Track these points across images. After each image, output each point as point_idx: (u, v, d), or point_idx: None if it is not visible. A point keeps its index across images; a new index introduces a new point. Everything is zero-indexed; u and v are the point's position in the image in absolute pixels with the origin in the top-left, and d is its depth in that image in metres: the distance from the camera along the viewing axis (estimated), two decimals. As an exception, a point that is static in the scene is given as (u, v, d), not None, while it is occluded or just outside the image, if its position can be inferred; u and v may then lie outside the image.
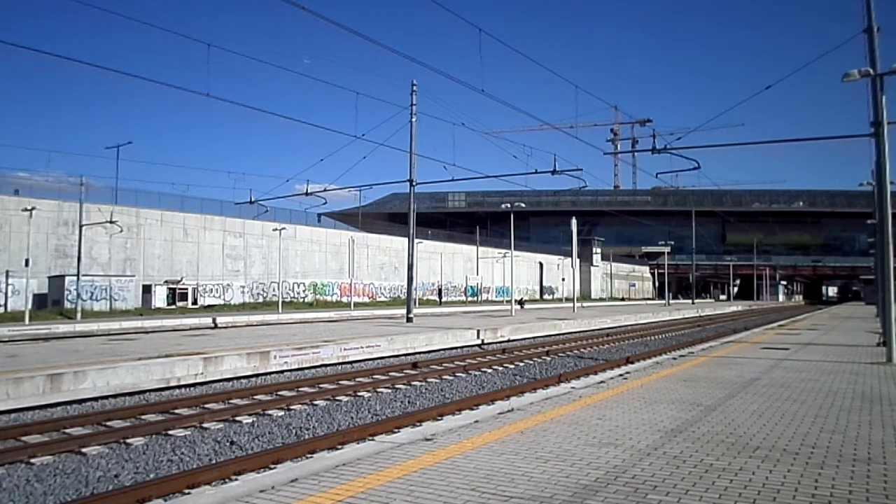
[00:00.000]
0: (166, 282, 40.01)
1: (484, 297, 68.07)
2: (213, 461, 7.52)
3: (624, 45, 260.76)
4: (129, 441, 8.24)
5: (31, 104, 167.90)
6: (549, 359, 18.04)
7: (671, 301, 71.00)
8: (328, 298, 51.03)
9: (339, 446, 7.30)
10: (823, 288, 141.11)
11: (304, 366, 14.94)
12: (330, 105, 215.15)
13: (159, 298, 38.70)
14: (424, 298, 57.34)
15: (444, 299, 60.68)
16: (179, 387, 12.30)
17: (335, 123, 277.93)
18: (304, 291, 49.86)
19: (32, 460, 7.36)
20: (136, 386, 11.65)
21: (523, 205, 41.44)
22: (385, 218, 74.31)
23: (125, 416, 9.63)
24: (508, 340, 22.54)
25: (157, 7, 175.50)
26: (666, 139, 18.21)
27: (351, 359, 16.20)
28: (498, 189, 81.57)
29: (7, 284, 33.28)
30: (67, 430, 8.70)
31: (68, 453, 7.71)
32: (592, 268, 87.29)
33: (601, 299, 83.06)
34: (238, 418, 9.63)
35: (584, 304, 57.23)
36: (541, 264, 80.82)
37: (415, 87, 26.52)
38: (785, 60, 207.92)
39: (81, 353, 14.16)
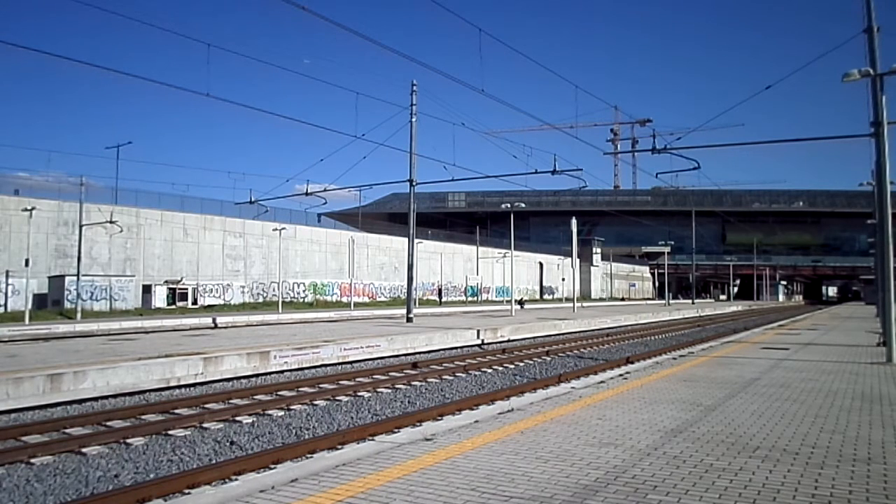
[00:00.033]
0: (166, 282, 40.01)
1: (484, 297, 68.07)
2: (213, 461, 7.51)
3: (624, 45, 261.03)
4: (129, 441, 8.24)
5: (31, 104, 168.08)
6: (549, 359, 18.04)
7: (671, 301, 71.00)
8: (328, 298, 51.03)
9: (339, 446, 7.30)
10: (823, 288, 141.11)
11: (304, 366, 14.94)
12: (330, 105, 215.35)
13: (159, 298, 38.71)
14: (424, 298, 57.35)
15: (444, 299, 60.69)
16: (179, 387, 12.30)
17: (335, 123, 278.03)
18: (304, 291, 49.87)
19: (32, 460, 7.36)
20: (136, 386, 11.65)
21: (523, 205, 41.43)
22: (385, 218, 74.32)
23: (125, 416, 9.62)
24: (508, 340, 22.54)
25: (157, 7, 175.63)
26: (666, 139, 18.23)
27: (351, 359, 16.20)
28: (498, 189, 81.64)
29: (7, 284, 33.28)
30: (67, 430, 8.70)
31: (68, 453, 7.71)
32: (592, 268, 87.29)
33: (601, 299, 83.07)
34: (238, 418, 9.63)
35: (584, 304, 57.23)
36: (541, 264, 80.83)
37: (415, 87, 26.52)
38: (785, 60, 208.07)
39: (81, 353, 14.16)
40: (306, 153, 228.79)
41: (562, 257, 75.84)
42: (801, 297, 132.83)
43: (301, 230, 50.60)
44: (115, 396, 11.21)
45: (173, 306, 38.48)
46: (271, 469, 6.13)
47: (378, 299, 55.56)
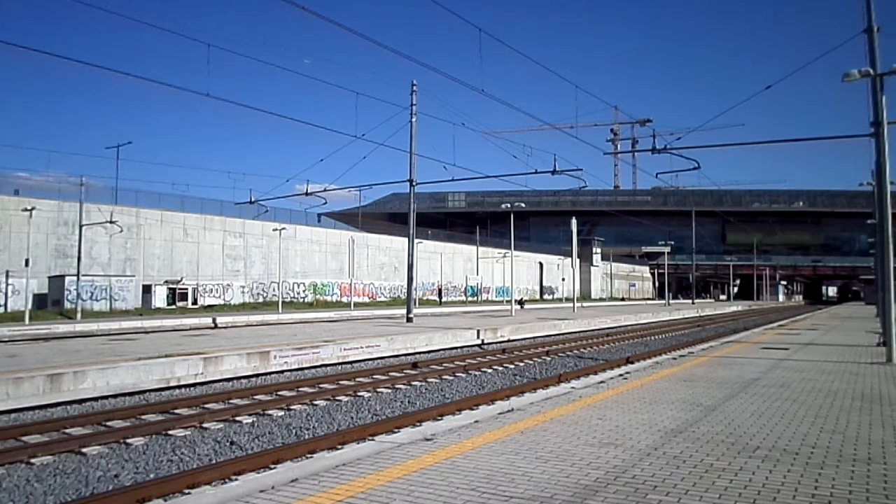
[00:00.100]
0: (166, 282, 40.02)
1: (484, 297, 68.08)
2: (213, 461, 7.51)
3: (624, 45, 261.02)
4: (129, 441, 8.24)
5: (31, 104, 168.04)
6: (549, 359, 18.04)
7: (671, 301, 70.99)
8: (328, 298, 51.03)
9: (339, 446, 7.30)
10: (823, 288, 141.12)
11: (304, 366, 14.94)
12: (330, 105, 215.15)
13: (159, 298, 38.71)
14: (424, 298, 57.35)
15: (444, 299, 60.69)
16: (179, 387, 12.30)
17: (335, 123, 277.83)
18: (304, 291, 49.87)
19: (32, 460, 7.36)
20: (136, 386, 11.65)
21: (523, 205, 41.44)
22: (385, 218, 74.34)
23: (125, 416, 9.62)
24: (508, 340, 22.53)
25: (157, 7, 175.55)
26: (666, 139, 18.25)
27: (351, 359, 16.20)
28: (498, 189, 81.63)
29: (7, 284, 33.29)
30: (67, 430, 8.70)
31: (68, 453, 7.71)
32: (592, 268, 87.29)
33: (601, 299, 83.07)
34: (238, 418, 9.63)
35: (584, 304, 57.23)
36: (541, 264, 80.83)
37: (415, 87, 26.52)
38: (785, 60, 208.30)
39: (81, 353, 14.16)
40: (306, 153, 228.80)
41: (562, 257, 75.84)
42: (801, 297, 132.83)
43: (301, 230, 50.60)
44: (115, 396, 11.20)
45: (173, 306, 38.48)
46: (271, 469, 6.13)
47: (378, 299, 55.56)
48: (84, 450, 7.78)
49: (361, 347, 16.71)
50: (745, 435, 6.04)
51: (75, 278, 32.66)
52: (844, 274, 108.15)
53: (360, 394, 11.91)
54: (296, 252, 49.78)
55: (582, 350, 20.75)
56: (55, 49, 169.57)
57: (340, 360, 15.91)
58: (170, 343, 16.53)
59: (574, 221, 42.83)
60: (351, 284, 48.10)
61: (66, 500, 6.26)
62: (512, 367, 16.35)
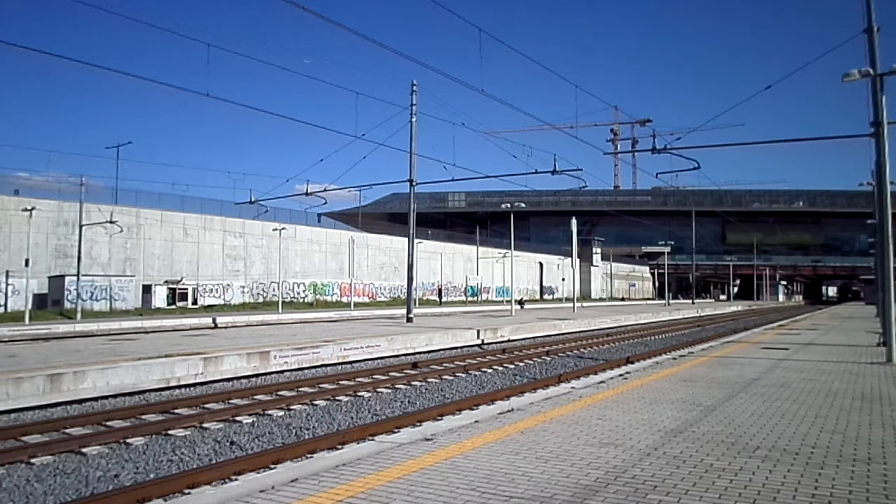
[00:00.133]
0: (166, 282, 40.02)
1: (484, 297, 68.08)
2: (213, 461, 7.51)
3: (624, 45, 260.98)
4: (129, 441, 8.24)
5: (31, 104, 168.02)
6: (549, 359, 18.04)
7: (671, 301, 70.99)
8: (328, 298, 51.03)
9: (339, 446, 7.30)
10: (823, 288, 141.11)
11: (304, 366, 14.94)
12: (330, 105, 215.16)
13: (159, 298, 38.71)
14: (424, 298, 57.35)
15: (444, 299, 60.69)
16: (179, 387, 12.30)
17: (335, 123, 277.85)
18: (304, 291, 49.87)
19: (32, 460, 7.36)
20: (136, 386, 11.65)
21: (523, 205, 41.45)
22: (385, 218, 74.34)
23: (125, 416, 9.62)
24: (508, 340, 22.53)
25: (157, 7, 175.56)
26: (666, 139, 18.25)
27: (351, 359, 16.20)
28: (498, 189, 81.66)
29: (7, 284, 33.29)
30: (67, 430, 8.70)
31: (68, 453, 7.71)
32: (592, 268, 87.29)
33: (601, 299, 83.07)
34: (238, 418, 9.63)
35: (584, 304, 57.23)
36: (541, 264, 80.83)
37: (415, 87, 26.52)
38: (785, 60, 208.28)
39: (81, 353, 14.16)
40: (306, 153, 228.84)
41: (562, 257, 75.84)
42: (801, 297, 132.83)
43: (301, 230, 50.61)
44: (115, 396, 11.20)
45: (173, 306, 38.48)
46: (271, 469, 6.13)
47: (378, 299, 55.57)
48: (84, 450, 7.78)
49: (361, 347, 16.71)
50: (745, 435, 6.04)
51: (75, 278, 32.66)
52: (844, 274, 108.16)
53: (360, 394, 11.91)
54: (296, 252, 49.78)
55: (582, 350, 20.75)
56: (55, 49, 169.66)
57: (340, 360, 15.91)
58: (170, 343, 16.53)
59: (574, 221, 42.83)
60: (351, 284, 48.10)
61: (66, 500, 6.26)
62: (512, 367, 16.35)
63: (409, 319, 26.36)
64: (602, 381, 9.90)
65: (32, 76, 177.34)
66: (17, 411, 9.92)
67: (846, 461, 5.10)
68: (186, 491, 6.02)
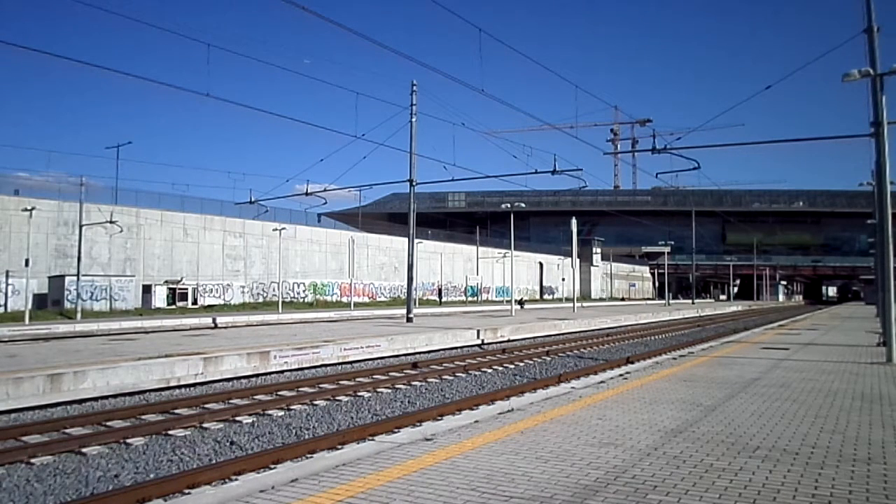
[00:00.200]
0: (166, 282, 40.01)
1: (484, 297, 68.07)
2: (213, 461, 7.51)
3: (624, 45, 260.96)
4: (129, 441, 8.24)
5: (31, 104, 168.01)
6: (549, 359, 18.04)
7: (671, 301, 71.00)
8: (328, 298, 51.03)
9: (339, 446, 7.30)
10: (823, 288, 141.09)
11: (304, 366, 14.94)
12: (330, 105, 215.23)
13: (159, 298, 38.71)
14: (424, 298, 57.35)
15: (444, 299, 60.69)
16: (179, 387, 12.30)
17: (335, 123, 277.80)
18: (304, 291, 49.87)
19: (32, 460, 7.36)
20: (136, 386, 11.65)
21: (523, 205, 41.44)
22: (385, 218, 74.32)
23: (125, 416, 9.62)
24: (508, 340, 22.53)
25: (157, 7, 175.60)
26: (666, 139, 18.24)
27: (351, 359, 16.20)
28: (498, 189, 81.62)
29: (7, 284, 33.29)
30: (67, 430, 8.70)
31: (68, 453, 7.71)
32: (592, 268, 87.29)
33: (601, 299, 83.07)
34: (238, 418, 9.63)
35: (584, 304, 57.23)
36: (541, 264, 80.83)
37: (415, 87, 26.52)
38: (785, 60, 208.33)
39: (81, 353, 14.16)
40: (306, 153, 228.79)
41: (562, 257, 75.84)
42: (801, 297, 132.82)
43: (301, 230, 50.60)
44: (115, 396, 11.20)
45: (173, 306, 38.48)
46: (271, 469, 6.13)
47: (378, 299, 55.57)
48: (84, 450, 7.78)
49: (361, 347, 16.71)
50: (745, 435, 6.04)
51: (75, 278, 32.66)
52: (844, 274, 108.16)
53: (360, 394, 11.91)
54: (296, 252, 49.78)
55: (582, 350, 20.75)
56: (55, 49, 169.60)
57: (340, 360, 15.91)
58: (170, 343, 16.53)
59: (574, 221, 42.83)
60: (351, 284, 48.10)
61: (66, 500, 6.26)
62: (512, 367, 16.35)
63: (409, 319, 26.36)
64: (602, 381, 9.90)
65: (32, 76, 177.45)
66: (17, 411, 9.92)
67: (846, 461, 5.10)
68: (186, 491, 6.02)
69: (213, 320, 29.06)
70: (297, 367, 14.76)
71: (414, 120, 26.32)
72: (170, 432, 8.74)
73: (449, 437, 6.11)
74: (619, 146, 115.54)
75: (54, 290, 34.60)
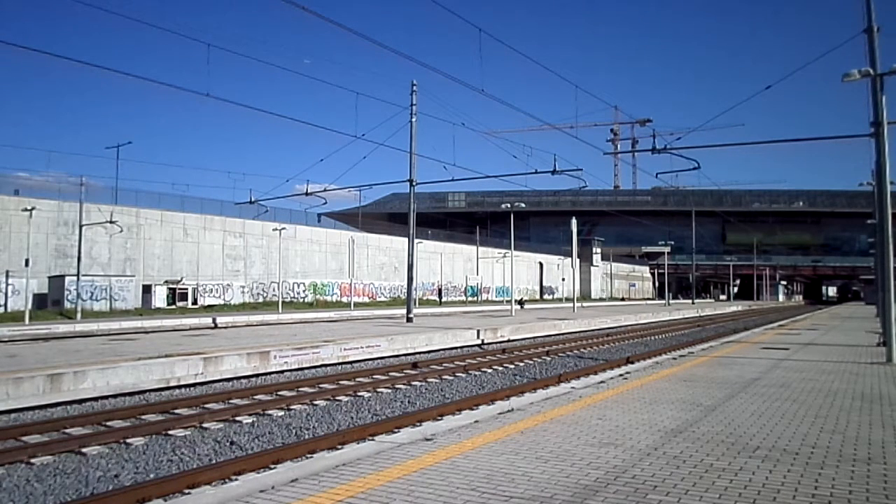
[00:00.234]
0: (166, 282, 40.01)
1: (484, 297, 68.07)
2: (213, 461, 7.51)
3: (624, 45, 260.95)
4: (129, 441, 8.23)
5: (31, 104, 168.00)
6: (549, 359, 18.04)
7: (671, 301, 70.99)
8: (328, 298, 51.03)
9: (339, 446, 7.30)
10: (823, 288, 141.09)
11: (304, 366, 14.94)
12: (330, 105, 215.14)
13: (159, 298, 38.71)
14: (424, 298, 57.35)
15: (444, 299, 60.69)
16: (179, 387, 12.30)
17: (335, 123, 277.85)
18: (304, 291, 49.86)
19: (32, 460, 7.36)
20: (136, 386, 11.65)
21: (523, 205, 41.43)
22: (385, 218, 74.32)
23: (125, 416, 9.62)
24: (508, 340, 22.53)
25: (157, 7, 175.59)
26: (666, 139, 18.24)
27: (351, 359, 16.20)
28: (498, 189, 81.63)
29: (7, 284, 33.28)
30: (67, 430, 8.70)
31: (68, 453, 7.71)
32: (592, 268, 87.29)
33: (601, 299, 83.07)
34: (238, 418, 9.63)
35: (584, 304, 57.23)
36: (541, 264, 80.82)
37: (415, 87, 26.52)
38: (785, 60, 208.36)
39: (81, 353, 14.16)
40: (306, 153, 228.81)
41: (562, 257, 75.84)
42: (801, 297, 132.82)
43: (301, 230, 50.60)
44: (115, 396, 11.20)
45: (173, 306, 38.48)
46: (271, 469, 6.13)
47: (378, 299, 55.56)
48: (84, 450, 7.78)
49: (361, 347, 16.71)
50: (745, 435, 6.04)
51: (75, 278, 32.66)
52: (844, 274, 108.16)
53: (360, 394, 11.91)
54: (296, 252, 49.78)
55: (582, 350, 20.75)
56: (55, 49, 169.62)
57: (340, 360, 15.91)
58: (170, 343, 16.53)
59: (574, 221, 42.83)
60: (351, 284, 48.10)
61: (66, 500, 6.26)
62: (512, 367, 16.35)
63: (409, 319, 26.36)
64: (602, 381, 9.90)
65: (32, 76, 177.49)
66: (17, 411, 9.92)
67: (846, 461, 5.10)
68: (186, 491, 6.02)
69: (213, 320, 29.06)
70: (297, 367, 14.76)
71: (414, 120, 26.32)
72: (170, 432, 8.74)
73: (449, 437, 6.11)
74: (619, 146, 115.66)
75: (54, 290, 34.60)
